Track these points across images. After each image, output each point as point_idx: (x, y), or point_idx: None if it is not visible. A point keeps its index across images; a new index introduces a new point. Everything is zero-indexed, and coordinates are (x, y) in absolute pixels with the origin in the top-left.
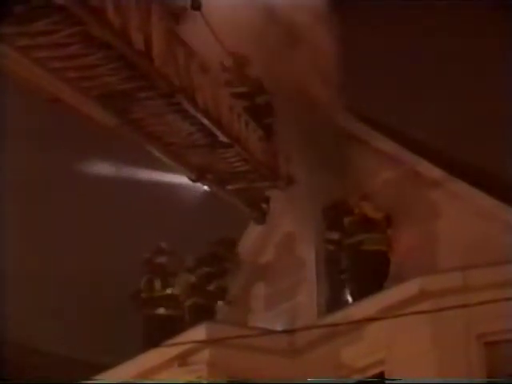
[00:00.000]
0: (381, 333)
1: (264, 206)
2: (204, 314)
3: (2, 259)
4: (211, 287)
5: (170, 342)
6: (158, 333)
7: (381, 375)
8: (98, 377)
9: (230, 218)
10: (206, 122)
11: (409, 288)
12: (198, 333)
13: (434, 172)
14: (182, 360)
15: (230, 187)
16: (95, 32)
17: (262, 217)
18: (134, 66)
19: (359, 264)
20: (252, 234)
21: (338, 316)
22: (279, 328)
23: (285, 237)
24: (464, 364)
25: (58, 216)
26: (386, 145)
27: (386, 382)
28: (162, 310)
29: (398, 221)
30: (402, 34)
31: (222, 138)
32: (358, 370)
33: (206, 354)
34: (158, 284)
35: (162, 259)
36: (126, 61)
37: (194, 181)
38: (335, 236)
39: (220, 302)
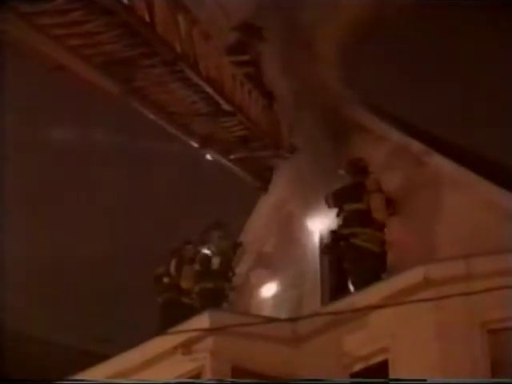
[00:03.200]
0: (384, 321)
1: (267, 174)
2: (214, 297)
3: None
4: (214, 266)
5: (174, 329)
6: (175, 317)
7: (384, 363)
8: (101, 365)
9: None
10: (208, 90)
11: (412, 276)
12: (202, 321)
13: (437, 159)
14: (186, 348)
15: (233, 156)
16: None
17: (265, 186)
18: (136, 33)
19: (354, 256)
20: (256, 223)
21: (341, 304)
22: (283, 316)
23: (289, 225)
24: (467, 352)
25: (58, 203)
26: (389, 132)
27: (390, 382)
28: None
29: (399, 208)
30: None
31: (225, 106)
32: (362, 357)
33: (209, 341)
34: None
35: (188, 249)
36: (129, 28)
37: (197, 149)
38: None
39: (227, 284)
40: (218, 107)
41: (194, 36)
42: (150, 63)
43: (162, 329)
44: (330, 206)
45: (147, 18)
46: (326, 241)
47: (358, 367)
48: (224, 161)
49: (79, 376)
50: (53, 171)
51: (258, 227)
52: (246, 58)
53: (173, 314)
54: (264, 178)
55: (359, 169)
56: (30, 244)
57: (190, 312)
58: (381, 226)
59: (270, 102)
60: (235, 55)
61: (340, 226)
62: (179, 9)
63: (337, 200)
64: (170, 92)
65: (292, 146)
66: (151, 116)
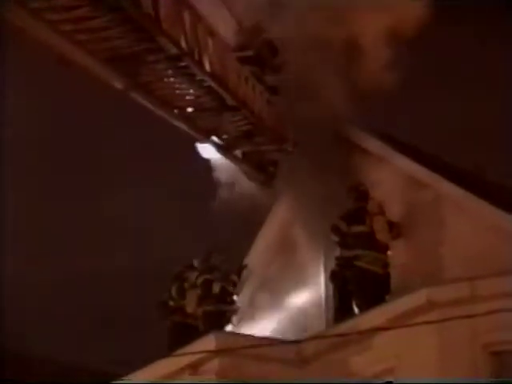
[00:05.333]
0: (389, 342)
1: (271, 169)
2: (216, 320)
3: (10, 267)
4: (215, 291)
5: (181, 351)
6: (183, 339)
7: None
8: None
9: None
10: (213, 85)
11: (416, 298)
12: (208, 342)
13: (440, 183)
14: (192, 369)
15: (237, 150)
16: None
17: (269, 180)
18: (142, 29)
19: (358, 278)
20: (260, 246)
21: (346, 326)
22: (287, 338)
23: (292, 248)
24: (470, 373)
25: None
26: (392, 155)
27: (393, 381)
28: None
29: (402, 231)
30: None
31: (230, 101)
32: (366, 379)
33: (215, 363)
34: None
35: (191, 274)
36: (135, 23)
37: (201, 142)
38: (342, 226)
39: (229, 307)
40: (222, 102)
41: (199, 32)
42: (155, 59)
43: (169, 350)
44: (337, 234)
45: (153, 14)
46: (331, 267)
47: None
48: (228, 155)
49: None
50: (56, 185)
51: (262, 251)
52: (250, 53)
53: (180, 336)
54: (268, 172)
55: (360, 193)
56: (40, 268)
57: (196, 334)
58: (384, 248)
59: (274, 96)
60: (240, 51)
61: (344, 249)
62: (184, 5)
63: (342, 226)
64: (175, 87)
65: (295, 141)
66: (157, 111)
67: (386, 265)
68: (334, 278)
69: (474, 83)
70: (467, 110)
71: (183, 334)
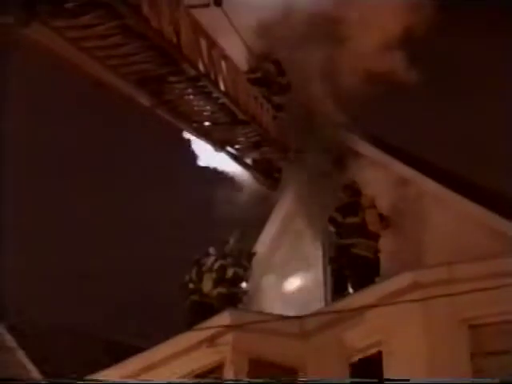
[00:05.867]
0: (378, 318)
1: (276, 175)
2: (229, 300)
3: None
4: (228, 275)
5: (199, 326)
6: (201, 316)
7: (378, 354)
8: (133, 357)
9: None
10: (227, 102)
11: (402, 280)
12: (223, 318)
13: (423, 180)
14: (210, 342)
15: (247, 158)
16: (133, 25)
17: (274, 184)
18: (165, 54)
19: (353, 264)
20: (267, 234)
21: (341, 304)
22: (291, 315)
23: (295, 237)
24: (450, 344)
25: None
26: (382, 157)
27: (385, 382)
28: (206, 298)
29: (391, 223)
30: None
31: (241, 116)
32: (359, 350)
33: (229, 336)
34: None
35: (208, 259)
36: (159, 49)
37: (217, 151)
38: (339, 218)
39: (239, 289)
40: (234, 117)
41: (214, 56)
42: (177, 80)
43: (189, 326)
44: (333, 225)
45: (175, 42)
46: (329, 253)
47: (356, 358)
48: (239, 162)
49: (118, 366)
50: (79, 182)
51: (269, 239)
52: (258, 75)
53: (198, 313)
54: (274, 177)
55: (354, 190)
56: (79, 253)
57: (212, 311)
58: (375, 237)
59: (279, 112)
60: (250, 73)
61: (340, 238)
62: (201, 34)
63: (338, 218)
64: (194, 104)
65: (297, 150)
66: (178, 124)
67: (376, 251)
68: (332, 262)
69: (476, 85)
70: (467, 117)
71: (201, 311)
